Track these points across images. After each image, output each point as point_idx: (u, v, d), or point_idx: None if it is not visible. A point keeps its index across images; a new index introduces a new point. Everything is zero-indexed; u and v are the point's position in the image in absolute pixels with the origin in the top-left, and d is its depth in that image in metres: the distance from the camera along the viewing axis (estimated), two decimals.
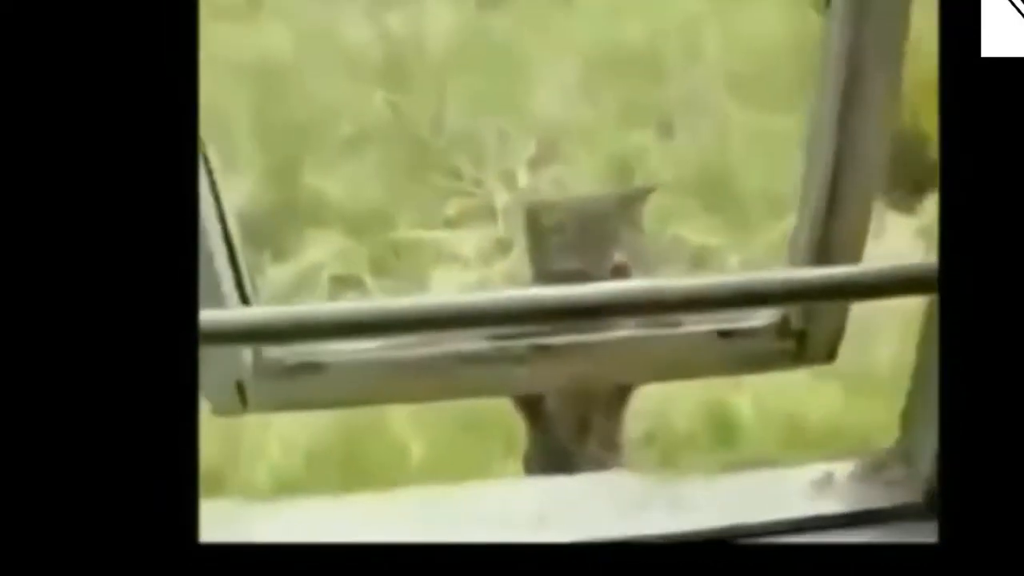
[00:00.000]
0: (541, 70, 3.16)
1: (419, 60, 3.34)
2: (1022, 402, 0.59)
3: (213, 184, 0.73)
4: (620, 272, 0.99)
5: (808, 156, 0.77)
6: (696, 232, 2.69)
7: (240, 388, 0.76)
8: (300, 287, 2.67)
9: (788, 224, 0.82)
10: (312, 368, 0.77)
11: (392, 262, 2.90)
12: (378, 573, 0.66)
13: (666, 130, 3.10)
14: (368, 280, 2.72)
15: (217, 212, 0.73)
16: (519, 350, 0.79)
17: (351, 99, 3.13)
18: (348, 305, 0.71)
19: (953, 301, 0.66)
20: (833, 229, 0.73)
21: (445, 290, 2.68)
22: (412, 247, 2.96)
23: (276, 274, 2.64)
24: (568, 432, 1.09)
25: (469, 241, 3.00)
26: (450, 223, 3.01)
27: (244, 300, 0.76)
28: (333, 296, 2.53)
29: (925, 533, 0.62)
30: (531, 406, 1.12)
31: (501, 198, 3.01)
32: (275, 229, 2.78)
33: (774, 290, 0.63)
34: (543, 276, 1.02)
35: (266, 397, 0.77)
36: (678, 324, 0.82)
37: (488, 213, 2.98)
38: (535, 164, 3.05)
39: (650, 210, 1.29)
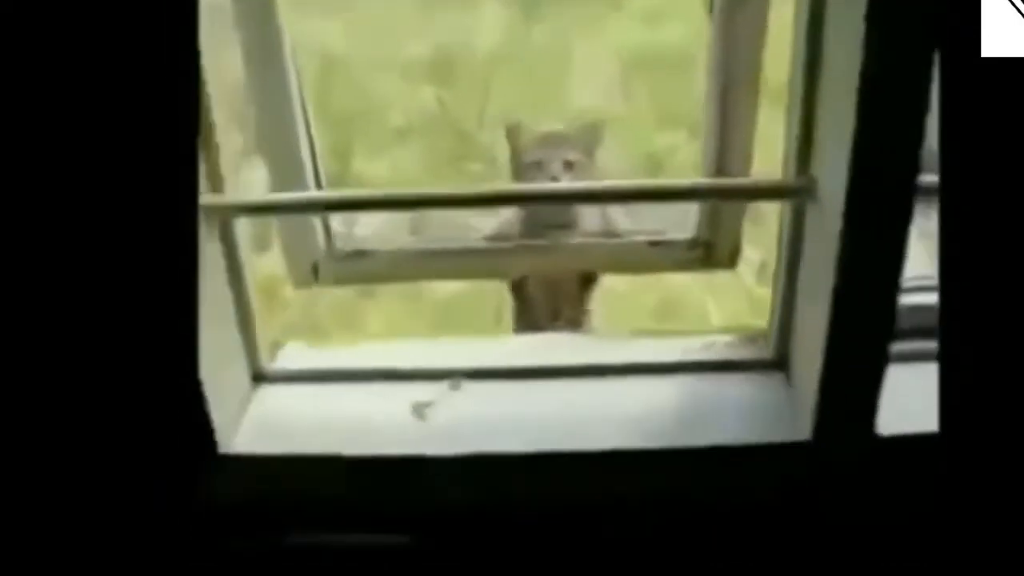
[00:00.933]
0: (581, 71, 3.55)
1: (467, 59, 3.76)
2: None
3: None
4: (569, 167, 1.44)
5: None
6: None
7: (315, 267, 1.19)
8: None
9: None
10: (365, 254, 1.20)
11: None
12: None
13: (697, 130, 3.47)
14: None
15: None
16: (509, 247, 1.24)
17: (402, 92, 3.55)
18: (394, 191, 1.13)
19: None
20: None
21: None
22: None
23: None
24: (543, 313, 1.55)
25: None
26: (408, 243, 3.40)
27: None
28: None
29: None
30: (518, 291, 1.59)
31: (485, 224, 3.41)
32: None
33: (675, 190, 1.06)
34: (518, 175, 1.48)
35: (331, 275, 1.20)
36: (619, 235, 1.27)
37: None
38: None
39: None
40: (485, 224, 1.50)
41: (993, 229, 0.72)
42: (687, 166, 3.28)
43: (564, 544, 1.09)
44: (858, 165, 0.89)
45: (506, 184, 1.60)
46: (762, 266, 2.13)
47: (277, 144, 1.09)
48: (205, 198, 0.98)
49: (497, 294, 1.90)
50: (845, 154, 0.89)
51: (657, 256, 1.21)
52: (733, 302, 2.65)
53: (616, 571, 1.11)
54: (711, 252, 1.20)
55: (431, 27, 3.79)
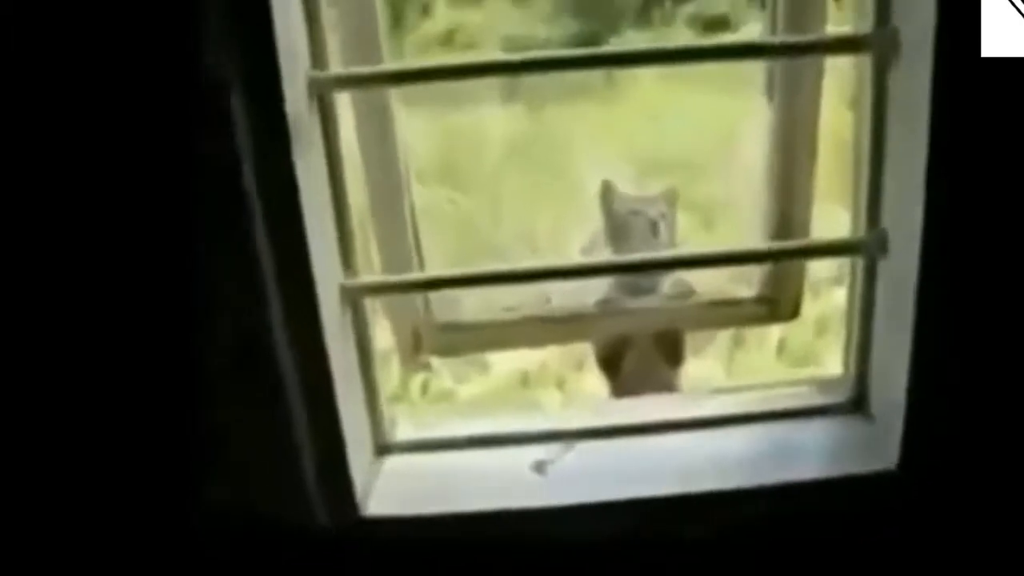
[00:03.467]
0: (591, 168, 3.73)
1: (477, 160, 3.94)
2: None
3: None
4: (662, 218, 1.64)
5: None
6: None
7: (417, 338, 1.32)
8: None
9: None
10: (462, 326, 1.34)
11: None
12: None
13: (711, 218, 3.64)
14: (434, 361, 3.26)
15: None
16: (592, 313, 1.37)
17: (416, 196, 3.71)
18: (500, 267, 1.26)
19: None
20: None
21: (504, 371, 3.26)
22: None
23: None
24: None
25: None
26: (509, 309, 3.55)
27: None
28: None
29: None
30: (609, 371, 1.74)
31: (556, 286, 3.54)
32: None
33: (741, 255, 1.21)
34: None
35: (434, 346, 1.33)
36: (692, 294, 1.42)
37: (544, 300, 3.52)
38: (586, 255, 3.59)
39: None
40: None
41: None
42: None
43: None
44: (930, 218, 1.03)
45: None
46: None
47: (390, 230, 1.23)
48: (343, 279, 1.11)
49: None
50: (917, 208, 1.04)
51: (727, 314, 1.35)
52: None
53: None
54: (775, 307, 1.34)
55: (438, 129, 3.95)
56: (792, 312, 1.32)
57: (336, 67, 1.09)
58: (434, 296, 1.34)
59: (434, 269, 1.35)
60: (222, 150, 0.94)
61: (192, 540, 1.09)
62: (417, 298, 1.29)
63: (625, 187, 3.71)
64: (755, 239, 1.34)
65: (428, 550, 1.15)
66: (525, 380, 3.21)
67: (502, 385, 3.20)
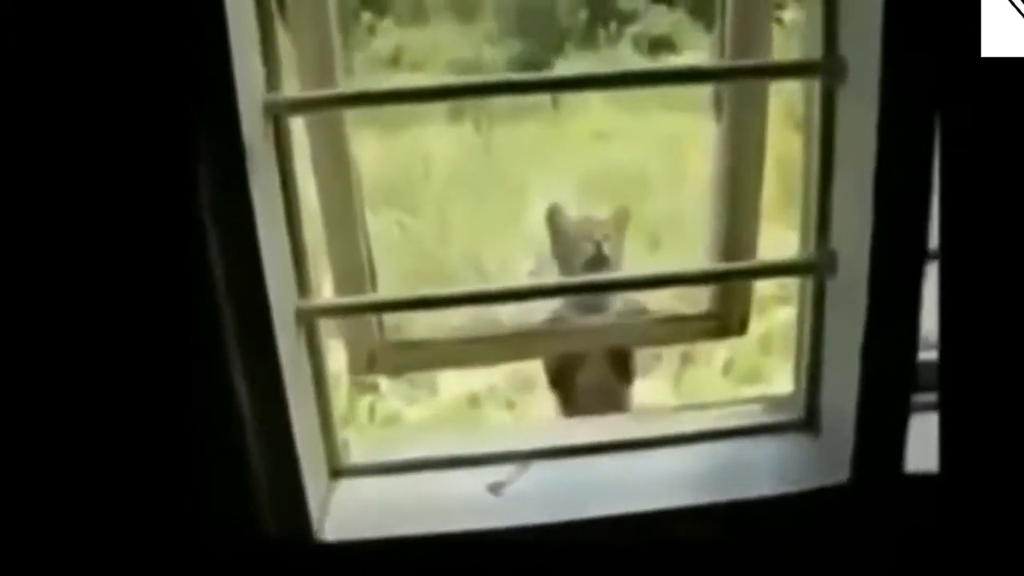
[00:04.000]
0: (539, 187, 3.76)
1: (424, 181, 3.95)
2: None
3: None
4: (606, 239, 1.68)
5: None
6: None
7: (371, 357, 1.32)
8: None
9: None
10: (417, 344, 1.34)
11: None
12: None
13: (654, 241, 3.69)
14: (382, 383, 3.26)
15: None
16: (545, 330, 1.38)
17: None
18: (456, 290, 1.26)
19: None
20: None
21: (453, 393, 3.27)
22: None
23: None
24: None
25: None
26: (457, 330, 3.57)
27: None
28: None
29: None
30: (559, 388, 1.76)
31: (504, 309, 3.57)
32: None
33: (690, 276, 1.23)
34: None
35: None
36: (644, 312, 1.44)
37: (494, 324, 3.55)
38: (535, 274, 3.61)
39: None
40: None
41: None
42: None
43: None
44: (878, 238, 1.06)
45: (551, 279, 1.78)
46: None
47: (344, 252, 1.23)
48: (298, 301, 1.11)
49: None
50: (865, 229, 1.06)
51: (676, 330, 1.37)
52: None
53: None
54: (724, 322, 1.36)
55: (386, 152, 3.96)
56: (740, 327, 1.34)
57: (292, 90, 1.09)
58: (388, 316, 1.34)
59: (385, 291, 1.35)
60: (178, 175, 0.94)
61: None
62: (371, 318, 1.29)
63: (573, 206, 3.77)
64: (703, 257, 1.36)
65: (385, 574, 1.15)
66: (474, 401, 3.22)
67: (451, 407, 3.20)
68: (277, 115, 1.05)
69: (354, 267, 1.23)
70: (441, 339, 1.33)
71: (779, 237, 1.33)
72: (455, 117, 4.02)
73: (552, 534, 1.15)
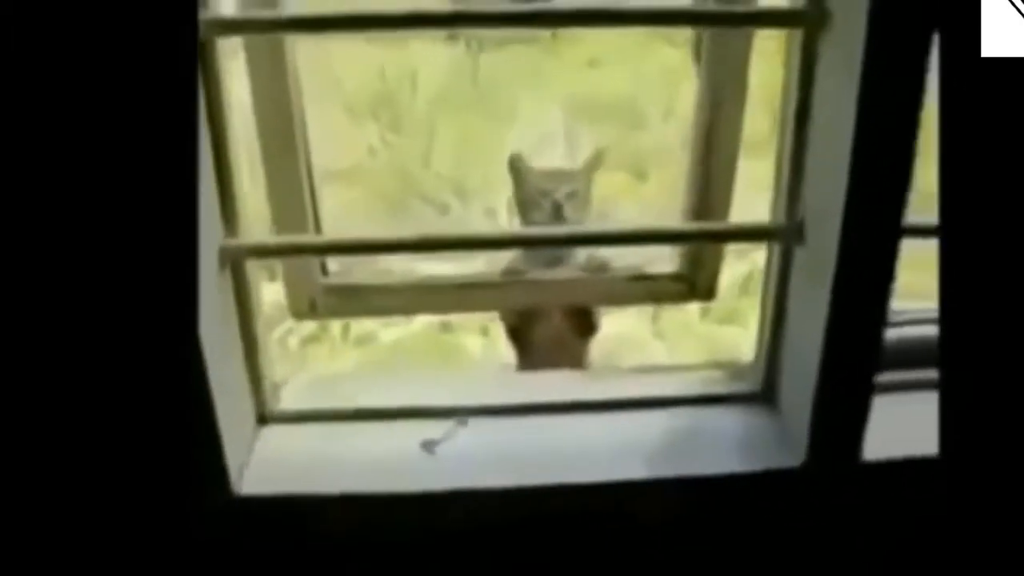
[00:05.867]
0: (524, 114, 3.65)
1: (411, 98, 3.83)
2: None
3: None
4: (571, 197, 1.59)
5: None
6: None
7: (313, 302, 1.23)
8: None
9: None
10: (361, 289, 1.25)
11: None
12: None
13: (639, 173, 3.59)
14: None
15: None
16: (501, 282, 1.29)
17: (347, 131, 3.60)
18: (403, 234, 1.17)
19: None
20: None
21: (428, 318, 3.19)
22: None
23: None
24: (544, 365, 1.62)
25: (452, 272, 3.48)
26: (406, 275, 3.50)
27: None
28: None
29: None
30: (517, 340, 1.67)
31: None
32: None
33: (654, 234, 1.14)
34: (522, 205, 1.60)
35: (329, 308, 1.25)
36: (607, 270, 1.34)
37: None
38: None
39: None
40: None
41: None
42: (630, 207, 3.40)
43: (567, 569, 1.14)
44: (850, 208, 0.97)
45: (504, 229, 1.68)
46: None
47: (283, 189, 1.13)
48: (222, 240, 1.02)
49: None
50: (837, 197, 0.97)
51: (641, 289, 1.28)
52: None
53: None
54: (692, 286, 1.27)
55: (375, 64, 3.83)
56: (708, 292, 1.25)
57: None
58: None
59: (359, 206, 1.24)
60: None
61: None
62: (314, 260, 1.20)
63: (560, 134, 3.66)
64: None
65: (303, 532, 1.08)
66: (447, 327, 3.16)
67: (424, 332, 3.14)
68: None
69: (293, 204, 1.13)
70: (386, 285, 1.24)
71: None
72: (451, 36, 3.89)
73: (481, 501, 1.08)
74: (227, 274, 1.05)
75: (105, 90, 0.80)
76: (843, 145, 0.95)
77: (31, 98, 0.80)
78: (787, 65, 1.07)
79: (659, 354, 2.88)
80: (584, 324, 1.64)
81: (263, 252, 1.10)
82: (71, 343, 0.91)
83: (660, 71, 3.88)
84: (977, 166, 0.75)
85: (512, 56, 3.94)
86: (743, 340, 2.43)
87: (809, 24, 1.00)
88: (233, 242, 1.04)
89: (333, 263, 1.24)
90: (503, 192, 3.42)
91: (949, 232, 0.77)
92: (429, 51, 3.90)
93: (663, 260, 1.28)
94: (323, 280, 1.22)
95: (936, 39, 0.86)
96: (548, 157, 3.26)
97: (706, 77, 1.16)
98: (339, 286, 1.23)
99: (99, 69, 0.79)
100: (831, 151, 0.99)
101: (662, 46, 3.84)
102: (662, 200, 3.43)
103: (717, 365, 1.30)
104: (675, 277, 1.26)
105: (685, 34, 3.18)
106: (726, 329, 3.02)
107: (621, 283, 1.27)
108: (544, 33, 3.74)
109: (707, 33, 1.16)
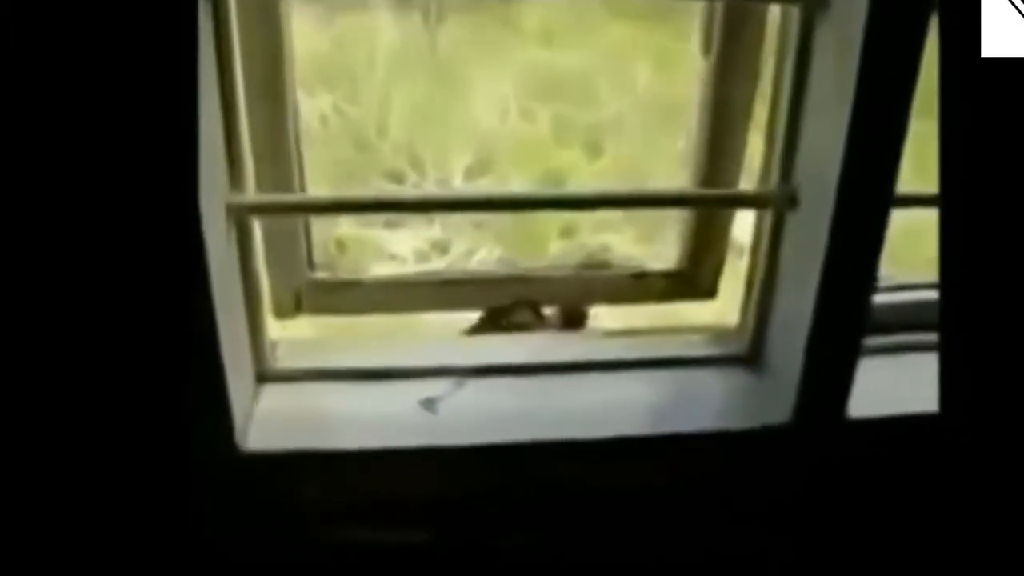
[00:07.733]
0: (479, 88, 3.62)
1: (367, 70, 3.78)
2: None
3: None
4: None
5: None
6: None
7: (298, 297, 1.23)
8: None
9: None
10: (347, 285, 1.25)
11: (335, 257, 3.36)
12: None
13: (594, 149, 3.60)
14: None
15: None
16: (492, 278, 1.30)
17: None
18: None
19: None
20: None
21: None
22: (353, 245, 3.41)
23: None
24: None
25: (407, 242, 3.46)
26: (390, 223, 3.46)
27: None
28: None
29: None
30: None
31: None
32: None
33: (661, 197, 1.16)
34: None
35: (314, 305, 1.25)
36: (608, 267, 1.35)
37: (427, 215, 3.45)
38: (470, 173, 3.51)
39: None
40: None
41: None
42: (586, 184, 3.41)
43: (563, 526, 1.17)
44: (844, 175, 1.00)
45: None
46: None
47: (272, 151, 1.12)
48: (228, 196, 1.02)
49: None
50: (832, 165, 1.01)
51: (641, 288, 1.30)
52: None
53: (614, 551, 1.19)
54: (693, 284, 1.30)
55: (328, 32, 3.77)
56: (709, 291, 1.28)
57: None
58: (318, 248, 1.26)
59: (315, 178, 1.23)
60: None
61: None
62: (302, 254, 1.20)
63: (513, 106, 3.63)
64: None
65: (305, 488, 1.09)
66: None
67: None
68: None
69: (281, 164, 1.12)
70: (372, 281, 1.24)
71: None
72: (403, 4, 3.83)
73: (482, 457, 1.09)
74: (233, 231, 1.05)
75: (114, 38, 0.79)
76: (840, 118, 0.99)
77: (32, 53, 0.79)
78: (781, 36, 1.09)
79: None
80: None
81: (269, 209, 1.10)
82: (77, 294, 0.90)
83: (612, 45, 3.87)
84: (977, 166, 0.75)
85: (468, 22, 3.90)
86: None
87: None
88: (239, 198, 1.03)
89: (319, 256, 1.25)
90: (458, 160, 3.42)
91: (950, 230, 0.78)
92: (381, 20, 3.85)
93: (663, 258, 1.31)
94: (310, 275, 1.23)
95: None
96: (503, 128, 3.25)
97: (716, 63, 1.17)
98: (325, 281, 1.23)
99: (101, 18, 0.78)
100: (827, 123, 1.02)
101: (613, 21, 3.84)
102: (618, 176, 3.42)
103: (699, 329, 1.32)
104: (676, 275, 1.28)
105: (636, 9, 3.19)
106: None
107: (622, 281, 1.29)
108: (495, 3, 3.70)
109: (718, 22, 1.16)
